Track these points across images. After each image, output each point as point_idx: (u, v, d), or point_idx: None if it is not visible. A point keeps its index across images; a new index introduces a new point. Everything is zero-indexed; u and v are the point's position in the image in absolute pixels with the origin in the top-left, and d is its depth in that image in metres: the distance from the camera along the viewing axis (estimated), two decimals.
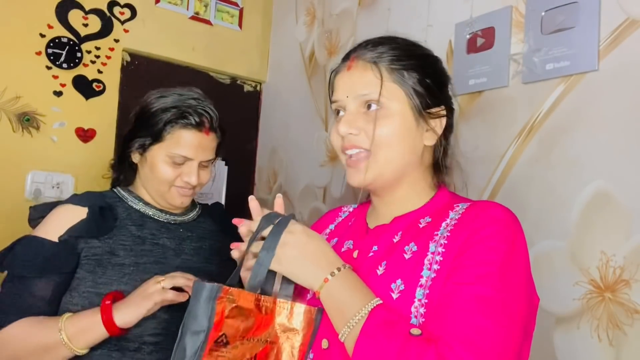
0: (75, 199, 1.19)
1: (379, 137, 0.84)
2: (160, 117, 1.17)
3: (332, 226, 1.02)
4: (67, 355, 1.05)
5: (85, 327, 1.04)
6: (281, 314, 0.80)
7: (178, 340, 0.76)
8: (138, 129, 1.21)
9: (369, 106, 0.86)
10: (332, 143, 0.93)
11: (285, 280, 0.84)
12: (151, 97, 1.23)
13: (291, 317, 0.81)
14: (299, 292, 0.87)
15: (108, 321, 1.03)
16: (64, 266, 1.11)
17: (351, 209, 1.04)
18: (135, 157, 1.23)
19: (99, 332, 1.04)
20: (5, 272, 1.13)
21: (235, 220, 0.89)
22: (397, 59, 0.87)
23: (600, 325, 1.09)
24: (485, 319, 0.69)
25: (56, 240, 1.12)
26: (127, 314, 1.04)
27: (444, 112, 0.91)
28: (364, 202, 1.04)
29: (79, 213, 1.15)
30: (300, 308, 0.81)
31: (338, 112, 0.91)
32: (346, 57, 0.91)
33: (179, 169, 1.18)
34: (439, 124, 0.90)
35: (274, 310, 0.80)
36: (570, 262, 1.16)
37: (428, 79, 0.88)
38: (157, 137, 1.18)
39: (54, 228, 1.13)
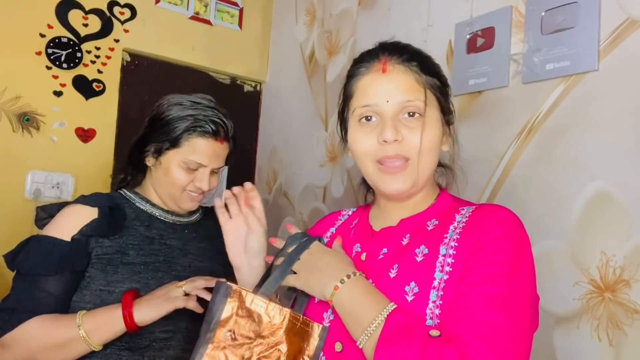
0: (85, 200, 1.21)
1: (424, 146, 0.83)
2: (178, 125, 1.21)
3: (332, 229, 1.02)
4: (83, 351, 1.08)
5: (103, 323, 1.07)
6: (291, 326, 0.83)
7: (201, 328, 0.84)
8: (153, 133, 1.24)
9: (410, 113, 0.83)
10: (358, 151, 0.86)
11: (302, 294, 0.87)
12: (167, 104, 1.26)
13: (300, 331, 0.84)
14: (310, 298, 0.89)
15: (129, 316, 1.06)
16: (76, 265, 1.13)
17: (350, 212, 1.04)
18: (150, 161, 1.26)
19: (117, 328, 1.06)
20: (15, 272, 1.14)
21: (271, 240, 0.96)
22: (424, 65, 0.86)
23: (600, 325, 1.10)
24: (499, 315, 0.71)
25: (68, 239, 1.14)
26: (147, 312, 1.07)
27: (453, 119, 0.93)
28: (363, 204, 1.04)
29: (90, 213, 1.17)
30: (309, 323, 0.84)
31: (367, 118, 0.85)
32: (371, 59, 0.86)
33: (192, 174, 1.22)
34: (452, 130, 0.92)
35: (284, 320, 0.83)
36: (570, 262, 1.16)
37: (444, 85, 0.90)
38: (174, 143, 1.21)
39: (66, 227, 1.15)
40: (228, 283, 0.84)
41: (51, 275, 1.10)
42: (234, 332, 0.81)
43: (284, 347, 0.81)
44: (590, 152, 1.16)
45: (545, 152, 1.25)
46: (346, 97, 0.91)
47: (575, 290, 1.14)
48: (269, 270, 0.90)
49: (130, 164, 1.30)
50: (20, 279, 1.12)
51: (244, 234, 0.95)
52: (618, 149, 1.11)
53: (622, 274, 1.07)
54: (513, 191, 1.31)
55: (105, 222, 1.16)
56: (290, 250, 0.89)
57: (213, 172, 1.25)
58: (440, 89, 0.87)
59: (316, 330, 0.84)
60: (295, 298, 0.89)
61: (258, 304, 0.83)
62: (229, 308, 0.81)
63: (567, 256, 1.17)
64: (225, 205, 1.00)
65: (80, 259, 1.13)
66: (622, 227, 1.08)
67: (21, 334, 1.06)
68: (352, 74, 0.89)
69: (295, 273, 0.86)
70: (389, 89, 0.83)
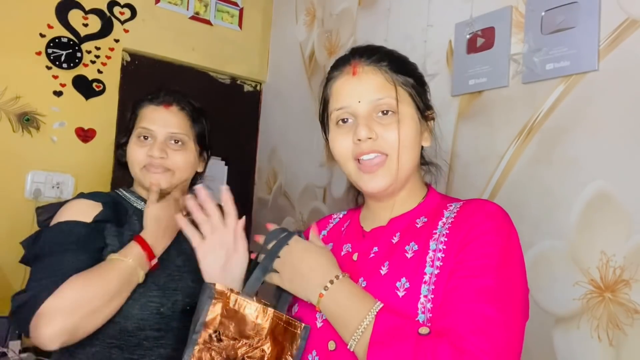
0: (87, 195, 1.20)
1: (401, 142, 0.84)
2: (134, 108, 1.26)
3: (324, 232, 1.03)
4: (133, 286, 1.07)
5: (135, 254, 1.09)
6: (275, 325, 0.84)
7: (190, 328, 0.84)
8: (124, 133, 1.28)
9: (383, 111, 0.85)
10: (337, 152, 0.89)
11: (286, 292, 0.88)
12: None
13: (283, 330, 0.85)
14: (302, 301, 0.89)
15: (145, 247, 1.09)
16: (98, 243, 1.11)
17: (341, 216, 1.06)
18: (123, 157, 1.26)
19: (142, 261, 1.09)
20: (33, 261, 1.10)
21: (256, 237, 0.95)
22: (395, 64, 0.88)
23: (600, 325, 1.10)
24: (491, 307, 0.71)
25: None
26: (159, 243, 1.12)
27: (434, 115, 0.94)
28: (353, 207, 1.05)
29: (95, 206, 1.16)
30: (291, 323, 0.85)
31: (343, 120, 0.88)
32: (343, 64, 0.90)
33: (146, 146, 1.21)
34: (432, 126, 0.94)
35: (268, 319, 0.84)
36: (570, 262, 1.16)
37: (419, 83, 0.92)
38: (131, 125, 1.24)
39: (77, 215, 1.12)
40: (212, 284, 0.84)
41: (75, 251, 1.06)
42: (219, 333, 0.81)
43: (267, 347, 0.82)
44: (590, 152, 1.16)
45: (545, 152, 1.25)
46: (324, 102, 0.93)
47: (575, 290, 1.14)
48: (253, 268, 0.90)
49: (119, 164, 1.31)
50: (43, 259, 1.06)
51: (222, 256, 0.91)
52: (618, 149, 1.11)
53: (622, 274, 1.07)
54: (513, 191, 1.31)
55: (113, 213, 1.16)
56: (269, 246, 0.89)
57: (172, 147, 1.21)
58: (414, 86, 0.89)
59: (299, 329, 0.84)
60: (279, 296, 0.89)
61: (242, 304, 0.83)
62: (213, 309, 0.82)
63: (567, 256, 1.17)
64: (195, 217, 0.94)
65: (99, 239, 1.12)
66: (622, 227, 1.08)
67: (64, 295, 0.98)
68: (327, 79, 0.93)
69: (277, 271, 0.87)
70: (360, 90, 0.86)
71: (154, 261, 1.11)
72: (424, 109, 0.90)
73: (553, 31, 1.25)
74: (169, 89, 1.25)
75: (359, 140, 0.84)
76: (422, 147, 0.92)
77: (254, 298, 0.85)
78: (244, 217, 0.94)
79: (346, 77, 0.88)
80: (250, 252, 0.95)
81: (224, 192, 0.93)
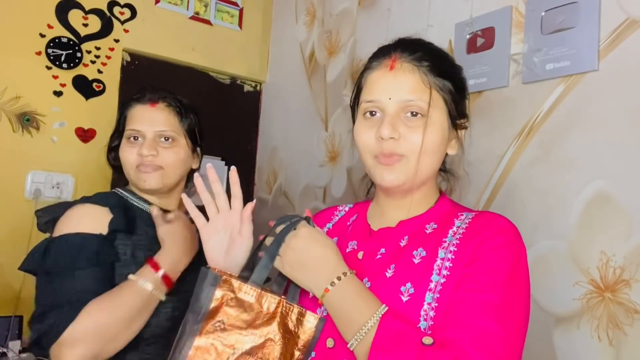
0: (91, 199, 1.17)
1: (423, 146, 0.83)
2: (122, 109, 1.25)
3: (329, 225, 1.02)
4: (154, 306, 1.07)
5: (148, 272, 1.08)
6: (285, 315, 0.81)
7: (184, 318, 0.80)
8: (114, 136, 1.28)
9: (412, 112, 0.83)
10: (359, 143, 0.87)
11: (293, 282, 0.85)
12: None
13: (294, 320, 0.82)
14: (303, 290, 0.87)
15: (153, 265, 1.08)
16: (109, 259, 1.10)
17: (347, 209, 1.04)
18: (115, 160, 1.25)
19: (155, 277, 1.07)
20: (44, 275, 1.08)
21: (271, 223, 0.93)
22: (436, 65, 0.86)
23: (600, 325, 1.10)
24: (494, 323, 0.72)
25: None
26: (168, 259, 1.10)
27: (467, 124, 0.91)
28: (360, 202, 1.04)
29: (102, 211, 1.14)
30: (304, 314, 0.82)
31: (371, 113, 0.86)
32: (383, 55, 0.87)
33: (136, 147, 1.19)
34: (462, 135, 0.91)
35: (278, 310, 0.81)
36: (570, 262, 1.16)
37: (459, 89, 0.89)
38: (121, 128, 1.23)
39: (84, 224, 1.10)
40: (216, 271, 0.81)
41: (89, 269, 1.05)
42: (223, 322, 0.78)
43: (277, 337, 0.80)
44: (590, 152, 1.16)
45: (545, 152, 1.25)
46: (358, 89, 0.91)
47: (575, 290, 1.14)
48: (257, 250, 0.88)
49: (112, 168, 1.30)
50: (55, 278, 1.04)
51: (226, 239, 0.90)
52: (618, 149, 1.11)
53: (622, 274, 1.07)
54: (513, 191, 1.31)
55: (124, 219, 1.15)
56: (278, 230, 0.86)
57: (162, 144, 1.20)
58: (451, 91, 0.86)
59: (312, 320, 0.82)
60: (287, 285, 0.87)
61: (249, 292, 0.80)
62: (217, 298, 0.79)
63: (567, 256, 1.17)
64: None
65: (111, 252, 1.10)
66: (622, 227, 1.08)
67: (85, 323, 0.97)
68: (365, 67, 0.90)
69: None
70: (393, 87, 0.84)
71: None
72: (456, 117, 0.88)
73: (553, 31, 1.25)
74: (154, 87, 1.25)
75: (382, 138, 0.83)
76: (447, 154, 0.90)
77: (263, 287, 0.82)
78: (254, 201, 0.93)
79: (383, 71, 0.85)
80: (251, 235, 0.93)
81: (231, 174, 0.92)
